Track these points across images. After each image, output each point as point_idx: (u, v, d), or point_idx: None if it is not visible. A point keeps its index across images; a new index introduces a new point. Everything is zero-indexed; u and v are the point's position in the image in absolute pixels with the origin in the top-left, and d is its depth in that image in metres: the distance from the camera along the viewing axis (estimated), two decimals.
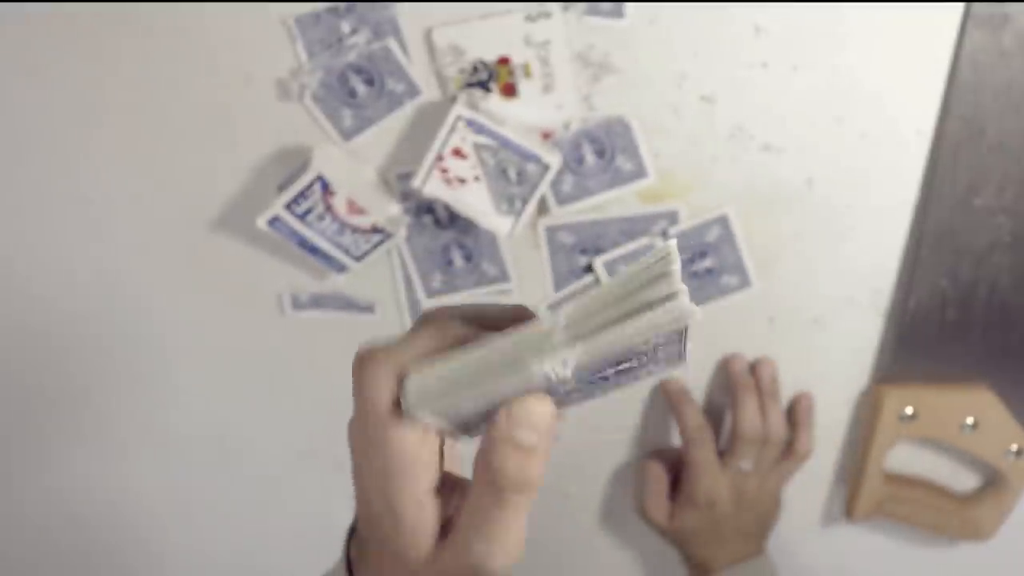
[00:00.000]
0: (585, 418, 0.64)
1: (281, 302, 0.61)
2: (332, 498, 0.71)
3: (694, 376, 0.62)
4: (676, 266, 0.25)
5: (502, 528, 0.28)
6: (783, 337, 0.60)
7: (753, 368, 0.60)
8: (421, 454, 0.28)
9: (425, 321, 0.29)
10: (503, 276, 0.58)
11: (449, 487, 0.30)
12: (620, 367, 0.27)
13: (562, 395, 0.28)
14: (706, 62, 0.51)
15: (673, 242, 0.26)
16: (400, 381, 0.27)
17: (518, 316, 0.30)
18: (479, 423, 0.29)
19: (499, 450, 0.27)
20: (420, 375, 0.27)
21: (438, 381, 0.27)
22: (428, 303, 0.59)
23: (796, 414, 0.61)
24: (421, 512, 0.29)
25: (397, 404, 0.27)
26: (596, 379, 0.28)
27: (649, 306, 0.25)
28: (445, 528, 0.30)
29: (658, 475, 0.62)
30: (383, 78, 0.52)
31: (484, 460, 0.28)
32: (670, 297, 0.24)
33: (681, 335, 0.27)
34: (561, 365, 0.26)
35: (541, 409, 0.27)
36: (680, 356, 0.29)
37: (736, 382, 0.59)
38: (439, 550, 0.30)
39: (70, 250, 0.61)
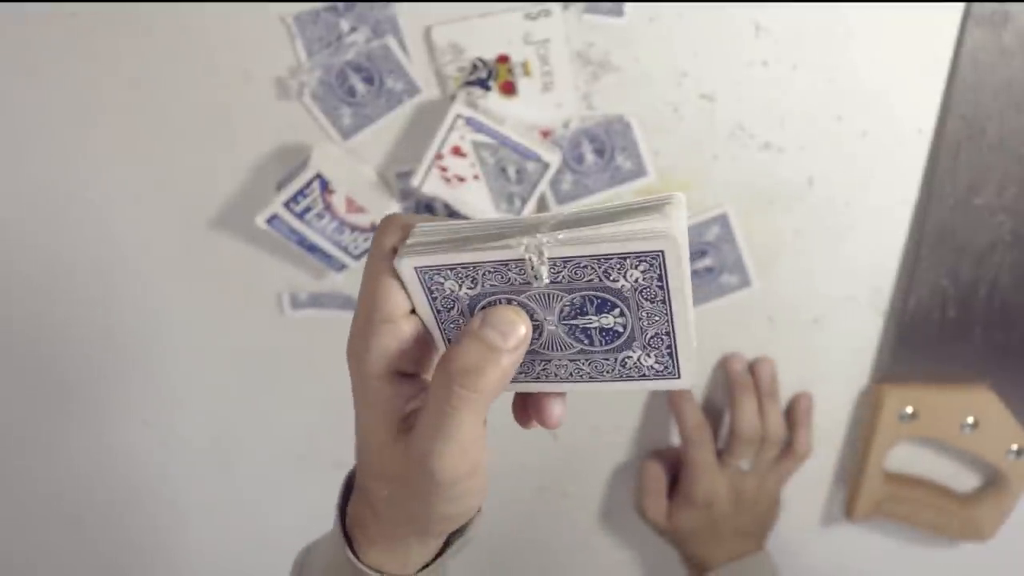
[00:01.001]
0: (585, 418, 0.64)
1: (280, 301, 0.61)
2: (332, 497, 0.71)
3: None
4: (675, 206, 0.26)
5: (451, 425, 0.29)
6: (783, 336, 0.60)
7: (752, 368, 0.60)
8: (397, 300, 0.30)
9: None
10: None
11: (420, 386, 0.32)
12: (601, 302, 0.28)
13: (543, 319, 0.29)
14: (706, 61, 0.51)
15: (681, 196, 0.27)
16: (407, 233, 0.30)
17: None
18: (455, 320, 0.30)
19: (463, 342, 0.29)
20: (423, 231, 0.29)
21: (435, 235, 0.29)
22: None
23: (795, 414, 0.61)
24: (383, 367, 0.30)
25: (395, 252, 0.29)
26: (576, 328, 0.29)
27: (629, 213, 0.26)
28: (409, 421, 0.32)
29: (656, 475, 0.62)
30: (382, 76, 0.52)
31: (446, 354, 0.29)
32: (653, 217, 0.26)
33: (667, 310, 0.28)
34: (536, 251, 0.27)
35: (514, 317, 0.29)
36: (672, 369, 0.30)
37: (735, 381, 0.59)
38: (397, 440, 0.31)
39: (69, 249, 0.61)
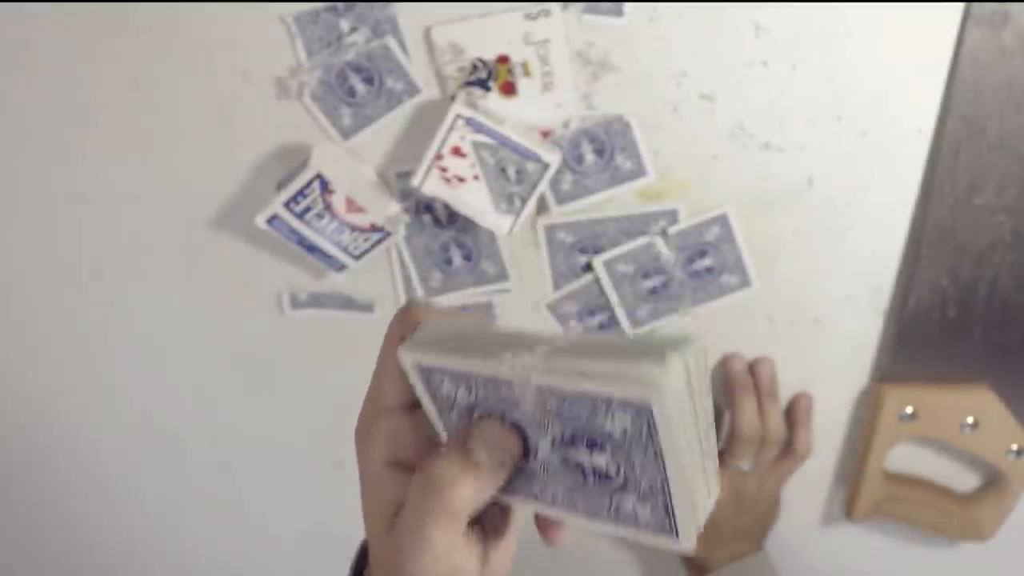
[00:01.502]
0: None
1: (280, 301, 0.61)
2: (332, 498, 0.71)
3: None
4: (683, 352, 0.24)
5: (424, 532, 0.28)
6: (783, 336, 0.60)
7: (752, 367, 0.60)
8: (398, 390, 0.31)
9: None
10: (502, 275, 0.58)
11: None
12: (593, 449, 0.26)
13: (536, 443, 0.28)
14: (706, 61, 0.51)
15: (701, 340, 0.25)
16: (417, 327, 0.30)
17: None
18: (455, 422, 0.29)
19: (444, 451, 0.28)
20: (431, 325, 0.29)
21: (440, 334, 0.29)
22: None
23: (795, 413, 0.61)
24: (382, 455, 0.31)
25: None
26: (569, 460, 0.27)
27: (632, 352, 0.24)
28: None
29: None
30: (382, 77, 0.52)
31: (426, 459, 0.29)
32: (648, 361, 0.23)
33: (659, 464, 0.25)
34: (524, 375, 0.26)
35: (503, 436, 0.28)
36: (668, 527, 0.26)
37: (735, 381, 0.59)
38: (388, 531, 0.31)
39: (68, 249, 0.60)
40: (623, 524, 0.27)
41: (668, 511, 0.26)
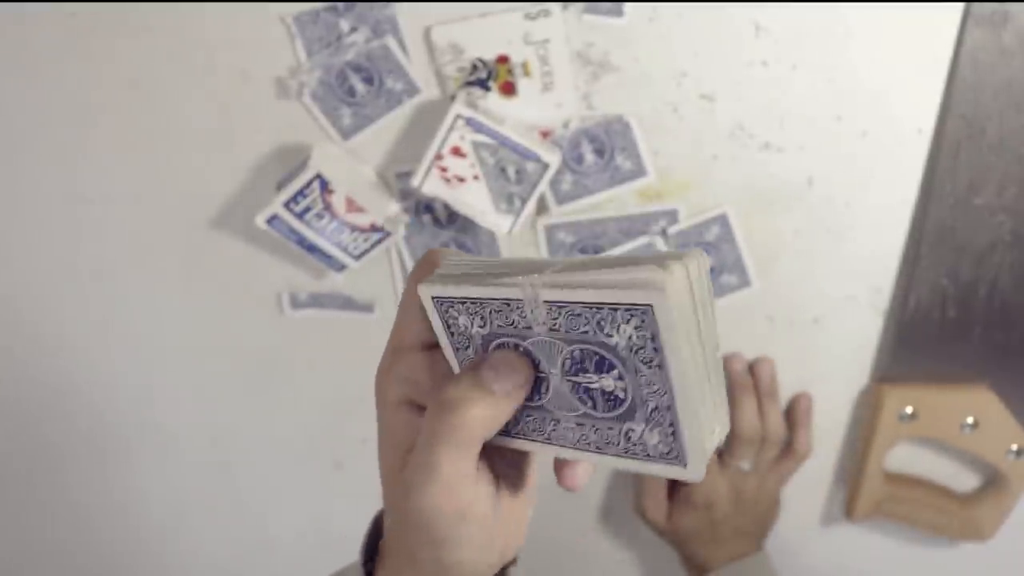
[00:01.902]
0: None
1: (280, 301, 0.61)
2: (332, 498, 0.71)
3: None
4: (685, 261, 0.24)
5: (432, 459, 0.28)
6: (783, 336, 0.60)
7: (752, 367, 0.60)
8: (414, 329, 0.31)
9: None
10: None
11: None
12: (599, 359, 0.26)
13: (548, 372, 0.28)
14: (706, 61, 0.51)
15: (705, 257, 0.25)
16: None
17: None
18: (470, 359, 0.30)
19: (458, 378, 0.29)
20: (450, 260, 0.30)
21: (457, 268, 0.29)
22: None
23: (795, 414, 0.61)
24: (397, 395, 0.31)
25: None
26: (579, 386, 0.28)
27: (634, 262, 0.24)
28: None
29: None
30: (382, 77, 0.52)
31: (439, 385, 0.29)
32: (650, 268, 0.24)
33: (665, 380, 0.25)
34: (532, 291, 0.26)
35: (514, 361, 0.28)
36: (676, 453, 0.26)
37: (735, 382, 0.59)
38: (401, 472, 0.30)
39: (68, 249, 0.60)
40: (633, 455, 0.28)
41: (675, 434, 0.26)
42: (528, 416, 0.30)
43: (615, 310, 0.25)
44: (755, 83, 0.51)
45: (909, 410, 0.59)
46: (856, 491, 0.62)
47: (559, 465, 0.31)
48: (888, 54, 0.50)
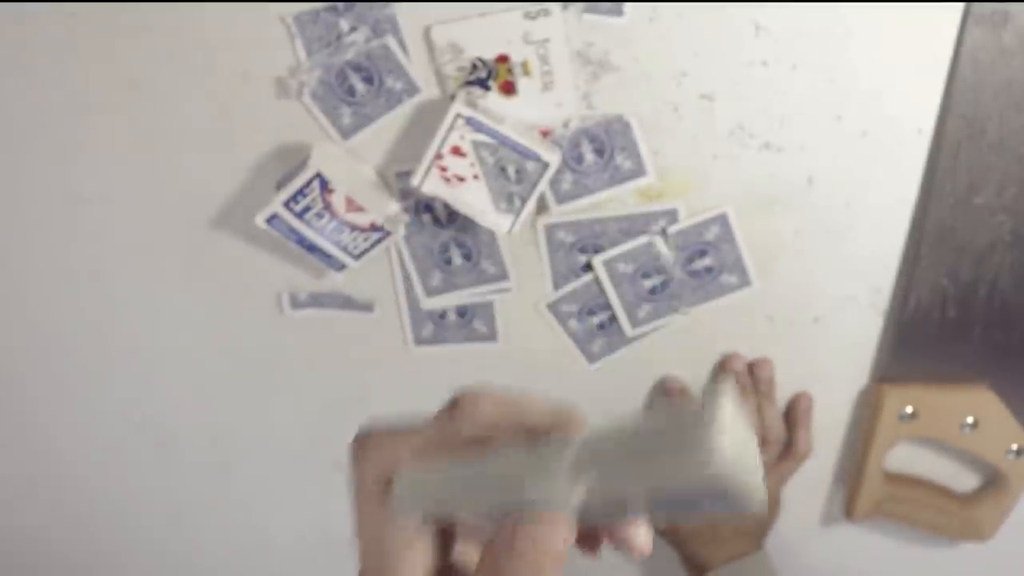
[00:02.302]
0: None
1: (280, 301, 0.61)
2: (332, 498, 0.71)
3: (693, 375, 0.62)
4: (724, 411, 0.21)
5: None
6: (783, 336, 0.60)
7: (751, 368, 0.60)
8: (412, 543, 0.27)
9: (453, 415, 0.28)
10: (502, 274, 0.58)
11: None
12: (662, 504, 0.24)
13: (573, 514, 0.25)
14: (706, 60, 0.51)
15: (731, 386, 0.23)
16: (394, 473, 0.27)
17: (561, 422, 0.27)
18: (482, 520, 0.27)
19: (504, 559, 0.25)
20: (413, 475, 0.26)
21: (431, 484, 0.26)
22: (427, 302, 0.59)
23: (795, 414, 0.61)
24: None
25: (390, 487, 0.27)
26: (632, 509, 0.25)
27: (667, 451, 0.22)
28: None
29: None
30: (382, 76, 0.52)
31: (493, 566, 0.25)
32: (705, 455, 0.21)
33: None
34: (562, 503, 0.24)
35: (552, 534, 0.25)
36: (735, 500, 0.23)
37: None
38: None
39: (68, 249, 0.60)
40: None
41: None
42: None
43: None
44: (755, 83, 0.51)
45: (909, 410, 0.59)
46: (856, 491, 0.62)
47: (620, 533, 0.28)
48: (888, 54, 0.50)
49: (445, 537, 0.28)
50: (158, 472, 0.71)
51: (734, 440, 0.21)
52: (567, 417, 0.28)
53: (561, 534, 0.25)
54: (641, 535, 0.27)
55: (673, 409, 0.23)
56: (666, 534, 0.63)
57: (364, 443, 0.28)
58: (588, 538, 0.29)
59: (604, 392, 0.62)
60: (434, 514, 0.27)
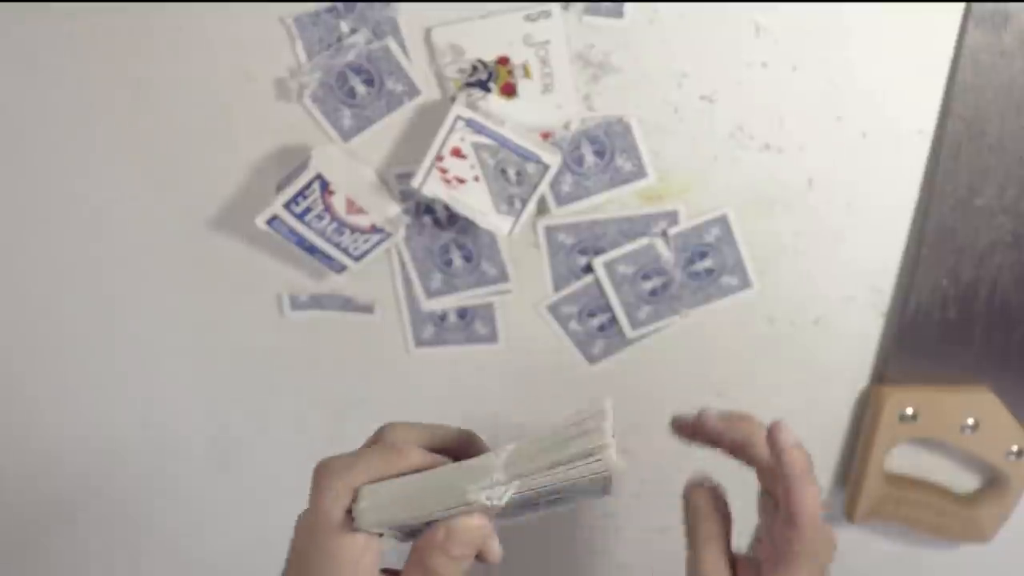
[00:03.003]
0: None
1: (280, 302, 0.61)
2: None
3: (693, 375, 0.62)
4: (608, 422, 0.31)
5: None
6: (783, 337, 0.60)
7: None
8: (364, 559, 0.33)
9: (383, 440, 0.36)
10: (502, 276, 0.58)
11: None
12: (551, 499, 0.33)
13: (493, 514, 0.33)
14: (706, 62, 0.51)
15: (609, 402, 0.32)
16: (353, 495, 0.33)
17: (465, 441, 0.37)
18: (419, 530, 0.33)
19: (434, 556, 0.32)
20: (372, 493, 0.33)
21: (388, 499, 0.32)
22: (427, 303, 0.59)
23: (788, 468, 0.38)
24: None
25: (348, 513, 0.32)
26: (528, 506, 0.33)
27: (580, 456, 0.30)
28: None
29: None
30: (382, 78, 0.52)
31: (420, 561, 0.32)
32: (598, 450, 0.30)
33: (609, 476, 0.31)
34: (498, 498, 0.31)
35: (477, 527, 0.32)
36: (606, 490, 0.34)
37: (788, 462, 0.38)
38: None
39: (67, 250, 0.60)
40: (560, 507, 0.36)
41: (606, 488, 0.34)
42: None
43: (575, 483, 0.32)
44: (755, 84, 0.51)
45: (909, 411, 0.59)
46: (856, 492, 0.62)
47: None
48: (888, 55, 0.50)
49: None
50: (157, 472, 0.71)
51: (615, 445, 0.30)
52: (469, 438, 0.37)
53: (481, 526, 0.32)
54: (496, 547, 0.34)
55: (573, 422, 0.32)
56: None
57: (328, 471, 0.34)
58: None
59: (604, 393, 0.62)
60: (392, 524, 0.32)
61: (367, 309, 0.61)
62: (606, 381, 0.62)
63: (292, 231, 0.53)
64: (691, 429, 0.44)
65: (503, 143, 0.51)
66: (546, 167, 0.51)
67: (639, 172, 0.54)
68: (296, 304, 0.61)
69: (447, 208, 0.54)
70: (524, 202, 0.53)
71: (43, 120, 0.56)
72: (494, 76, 0.51)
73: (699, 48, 0.50)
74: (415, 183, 0.52)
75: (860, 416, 0.62)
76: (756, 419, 0.42)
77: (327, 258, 0.55)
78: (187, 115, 0.54)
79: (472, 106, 0.51)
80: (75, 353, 0.65)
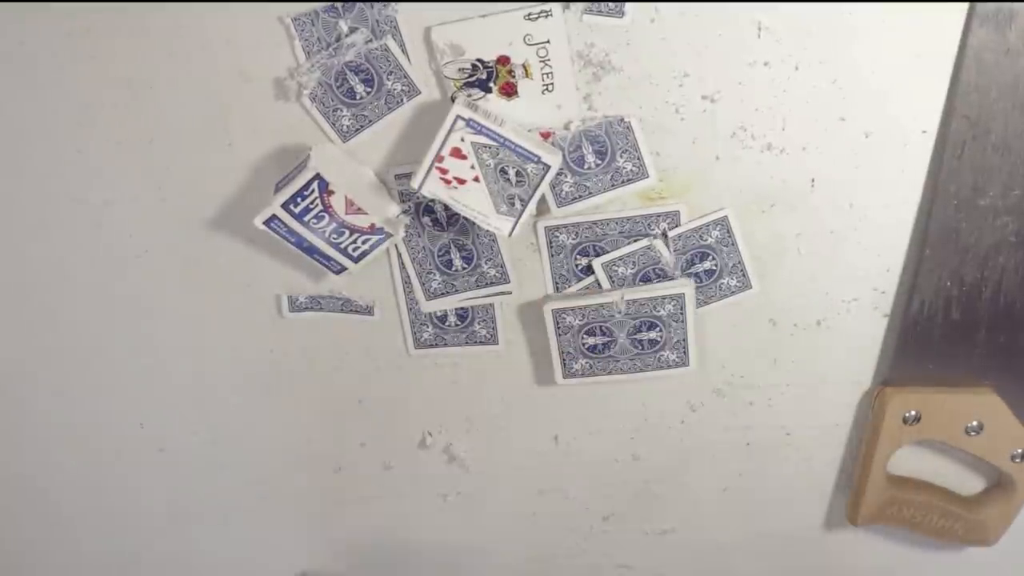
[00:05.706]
0: (586, 423, 0.64)
1: (279, 303, 0.61)
2: (330, 500, 0.71)
3: (694, 386, 0.61)
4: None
5: None
6: (785, 339, 0.59)
7: None
8: None
9: None
10: (502, 277, 0.58)
11: None
12: (651, 329, 0.51)
13: (617, 336, 0.55)
14: (708, 61, 0.50)
15: None
16: None
17: None
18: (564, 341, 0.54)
19: None
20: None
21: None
22: (427, 304, 0.59)
23: None
24: None
25: None
26: (635, 340, 0.49)
27: None
28: None
29: None
30: (382, 78, 0.51)
31: None
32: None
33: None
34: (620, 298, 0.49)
35: None
36: (685, 360, 0.57)
37: None
38: None
39: (65, 251, 0.60)
40: (660, 368, 0.56)
41: (685, 351, 0.56)
42: (605, 363, 0.56)
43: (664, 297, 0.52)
44: (757, 84, 0.51)
45: (913, 413, 0.58)
46: (859, 495, 0.62)
47: None
48: (892, 54, 0.50)
49: None
50: (156, 473, 0.71)
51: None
52: None
53: None
54: None
55: None
56: None
57: None
58: None
59: (604, 393, 0.62)
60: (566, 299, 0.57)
61: (367, 310, 0.60)
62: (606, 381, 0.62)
63: (291, 231, 0.53)
64: None
65: (503, 143, 0.50)
66: (546, 167, 0.51)
67: (640, 172, 0.54)
68: (294, 305, 0.61)
69: (447, 209, 0.54)
70: (524, 203, 0.52)
71: (41, 120, 0.55)
72: (494, 76, 0.51)
73: (701, 48, 0.50)
74: (414, 183, 0.52)
75: (863, 418, 0.62)
76: None
77: (326, 259, 0.55)
78: (185, 115, 0.54)
79: (472, 106, 0.51)
80: (72, 355, 0.65)
